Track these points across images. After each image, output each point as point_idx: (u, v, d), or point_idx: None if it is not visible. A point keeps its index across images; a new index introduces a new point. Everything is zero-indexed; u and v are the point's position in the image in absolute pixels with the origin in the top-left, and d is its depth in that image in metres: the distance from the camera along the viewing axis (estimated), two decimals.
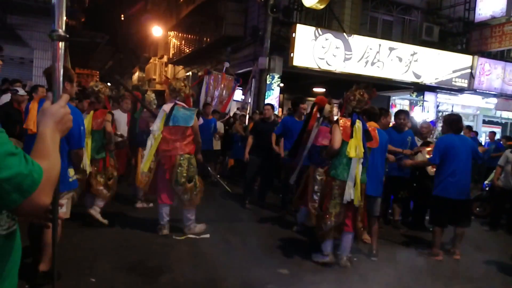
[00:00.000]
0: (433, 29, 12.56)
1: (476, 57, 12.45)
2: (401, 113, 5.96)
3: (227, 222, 5.45)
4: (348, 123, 4.04)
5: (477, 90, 12.77)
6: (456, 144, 4.57)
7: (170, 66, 22.53)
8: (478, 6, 12.79)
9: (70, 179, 3.24)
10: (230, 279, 3.69)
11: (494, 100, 13.69)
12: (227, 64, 11.84)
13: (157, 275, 3.62)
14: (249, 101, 11.89)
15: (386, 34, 12.52)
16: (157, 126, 4.68)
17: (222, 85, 10.83)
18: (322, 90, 11.81)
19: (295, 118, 5.97)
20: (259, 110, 9.30)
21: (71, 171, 3.41)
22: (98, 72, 27.22)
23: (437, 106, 13.21)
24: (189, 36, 17.44)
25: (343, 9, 11.85)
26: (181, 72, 20.26)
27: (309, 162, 5.05)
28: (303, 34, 10.27)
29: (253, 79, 11.38)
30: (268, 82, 10.83)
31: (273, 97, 10.89)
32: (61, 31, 1.30)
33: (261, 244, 4.69)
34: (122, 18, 30.35)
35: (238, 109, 11.83)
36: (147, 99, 5.89)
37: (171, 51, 20.64)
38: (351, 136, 3.95)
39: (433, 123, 9.51)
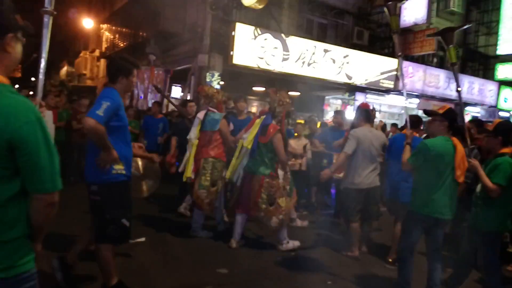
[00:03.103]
0: (364, 33, 13.38)
1: (401, 60, 13.43)
2: (337, 113, 6.62)
3: (163, 225, 5.36)
4: (256, 121, 4.77)
5: (402, 91, 13.77)
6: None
7: (102, 60, 21.57)
8: (403, 13, 13.81)
9: (113, 171, 3.06)
10: (168, 282, 3.66)
11: (416, 101, 14.88)
12: (153, 57, 11.65)
13: (85, 286, 3.46)
14: (188, 98, 11.83)
15: (321, 36, 13.10)
16: (193, 133, 4.92)
17: (152, 80, 10.69)
18: (262, 89, 12.05)
19: (236, 117, 6.14)
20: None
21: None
22: (20, 66, 25.33)
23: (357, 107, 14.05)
24: (124, 30, 16.84)
25: (281, 10, 12.20)
26: None
27: None
28: (243, 33, 10.43)
29: (192, 76, 11.35)
30: (208, 80, 10.84)
31: None
32: None
33: (200, 245, 4.69)
34: None
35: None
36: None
37: (104, 45, 19.78)
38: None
39: None
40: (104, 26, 19.72)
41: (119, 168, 3.05)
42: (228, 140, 4.98)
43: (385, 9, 4.39)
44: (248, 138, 4.60)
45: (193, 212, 5.08)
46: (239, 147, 4.73)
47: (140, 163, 4.63)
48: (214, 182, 4.85)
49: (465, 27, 4.10)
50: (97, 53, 21.93)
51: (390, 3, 4.29)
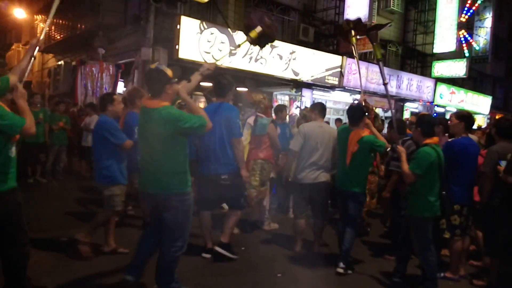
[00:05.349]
0: (309, 30, 13.55)
1: (345, 57, 13.76)
2: (277, 107, 6.81)
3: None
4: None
5: (346, 87, 14.15)
6: None
7: (37, 54, 20.16)
8: (346, 11, 14.18)
9: (235, 164, 4.35)
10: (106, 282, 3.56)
11: (359, 97, 15.34)
12: (102, 50, 11.04)
13: None
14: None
15: None
16: (244, 136, 5.06)
17: (103, 74, 10.13)
18: (209, 84, 11.81)
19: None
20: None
21: None
22: None
23: (313, 102, 14.30)
24: (60, 21, 15.85)
25: (226, 4, 12.03)
26: (52, 61, 18.37)
27: None
28: (188, 26, 10.15)
29: (135, 71, 10.89)
30: None
31: None
32: None
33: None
34: None
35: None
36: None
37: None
38: None
39: None
40: (39, 17, 18.46)
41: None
42: (276, 142, 5.39)
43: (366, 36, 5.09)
44: None
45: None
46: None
47: None
48: (264, 182, 5.24)
49: (387, 26, 4.62)
50: None
51: (372, 31, 4.78)
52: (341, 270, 4.17)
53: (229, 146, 4.23)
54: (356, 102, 5.92)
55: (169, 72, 3.11)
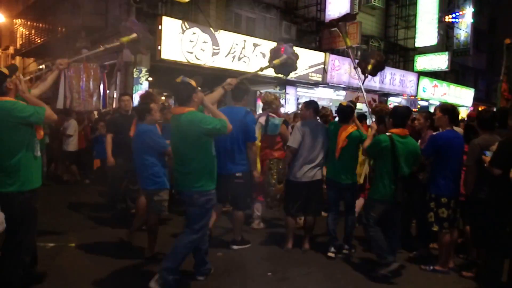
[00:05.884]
0: (291, 27, 13.59)
1: (327, 54, 13.84)
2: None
3: (91, 229, 5.27)
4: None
5: (329, 84, 14.23)
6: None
7: (18, 58, 19.90)
8: (328, 8, 14.26)
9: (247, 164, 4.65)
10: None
11: (343, 93, 15.45)
12: (86, 51, 10.91)
13: None
14: (115, 96, 11.24)
15: (250, 30, 13.08)
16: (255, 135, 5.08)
17: (86, 76, 9.97)
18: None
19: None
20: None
21: None
22: None
23: (297, 99, 14.34)
24: (40, 25, 15.63)
25: (208, 4, 11.99)
26: (33, 65, 18.10)
27: None
28: (170, 27, 10.10)
29: (118, 73, 10.79)
30: (135, 76, 10.39)
31: (141, 91, 10.48)
32: None
33: (136, 249, 4.55)
34: None
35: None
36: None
37: (19, 41, 18.22)
38: None
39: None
40: (18, 21, 18.17)
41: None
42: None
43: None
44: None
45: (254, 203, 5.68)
46: (360, 155, 4.99)
47: None
48: (280, 179, 5.28)
49: (354, 21, 5.52)
50: (11, 50, 20.18)
51: (340, 23, 5.25)
52: (346, 251, 4.66)
53: (244, 148, 4.54)
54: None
55: (193, 82, 3.52)
